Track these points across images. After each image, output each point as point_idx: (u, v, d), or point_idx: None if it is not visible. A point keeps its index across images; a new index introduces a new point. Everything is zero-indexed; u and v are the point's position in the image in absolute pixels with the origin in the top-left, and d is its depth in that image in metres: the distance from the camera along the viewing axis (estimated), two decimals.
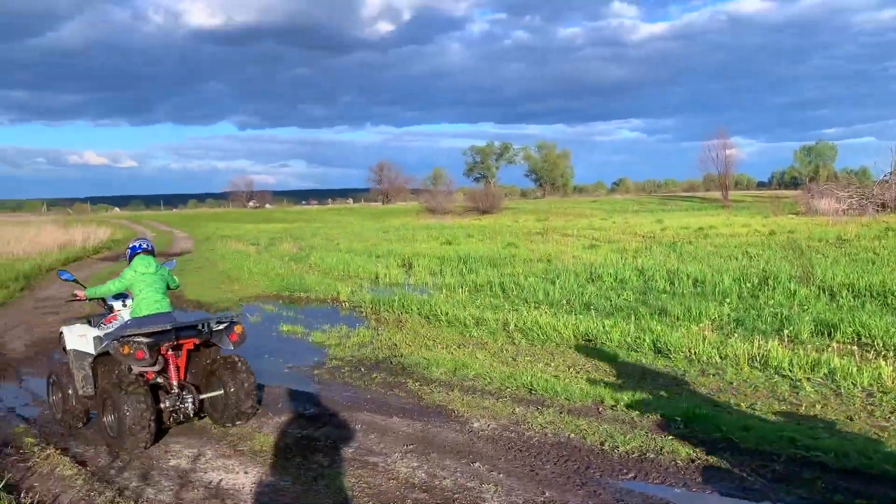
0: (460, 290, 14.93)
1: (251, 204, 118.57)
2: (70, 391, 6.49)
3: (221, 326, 6.35)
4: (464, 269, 18.71)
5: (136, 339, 5.80)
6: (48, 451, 5.75)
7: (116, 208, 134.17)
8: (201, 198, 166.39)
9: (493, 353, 9.16)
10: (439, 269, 19.53)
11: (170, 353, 6.12)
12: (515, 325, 10.25)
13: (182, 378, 6.31)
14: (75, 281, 7.21)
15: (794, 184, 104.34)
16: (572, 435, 5.92)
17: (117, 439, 5.78)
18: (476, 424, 6.30)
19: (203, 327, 6.22)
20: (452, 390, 7.39)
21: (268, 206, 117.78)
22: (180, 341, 6.14)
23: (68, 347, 6.58)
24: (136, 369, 5.98)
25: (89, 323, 6.75)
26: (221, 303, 14.54)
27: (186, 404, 6.20)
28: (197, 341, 6.30)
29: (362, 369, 8.52)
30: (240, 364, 6.38)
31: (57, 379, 6.70)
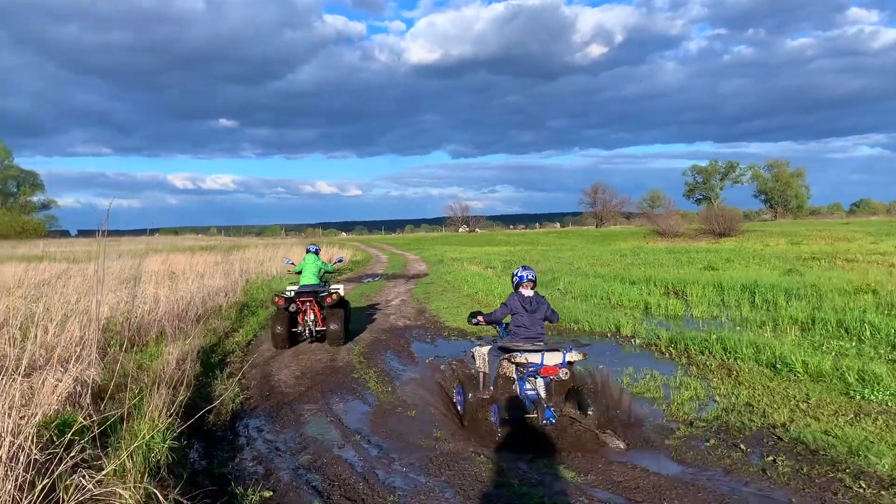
0: (774, 326, 11.87)
1: (462, 228, 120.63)
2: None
3: (322, 294, 11.35)
4: (758, 301, 15.44)
5: (285, 295, 11.37)
6: None
7: (343, 233, 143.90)
8: (416, 223, 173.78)
9: None
10: (720, 300, 16.43)
11: (304, 304, 11.29)
12: None
13: (318, 317, 11.48)
14: (291, 263, 13.10)
15: None
16: None
17: (272, 341, 11.18)
18: None
19: (314, 294, 11.32)
20: None
21: (478, 230, 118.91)
22: (304, 299, 11.26)
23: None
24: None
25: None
26: (482, 332, 12.77)
27: (308, 331, 11.43)
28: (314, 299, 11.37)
29: (742, 446, 5.98)
30: (336, 313, 11.28)
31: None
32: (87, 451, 4.76)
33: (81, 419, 5.77)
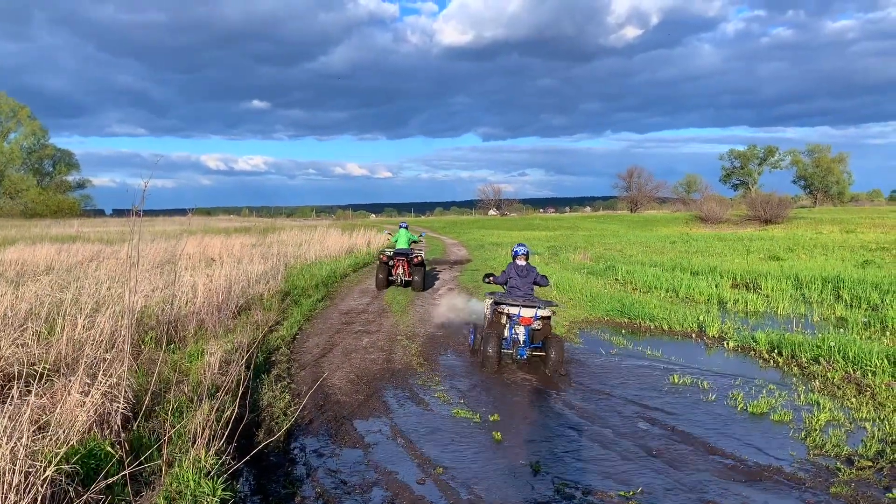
0: (883, 330, 10.49)
1: (492, 211, 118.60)
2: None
3: (412, 255, 16.24)
4: (845, 297, 13.98)
5: (387, 253, 16.43)
6: None
7: (373, 215, 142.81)
8: (446, 205, 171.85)
9: None
10: (800, 295, 14.99)
11: (398, 262, 16.34)
12: None
13: (406, 270, 16.36)
14: (389, 234, 19.03)
15: None
16: None
17: (376, 283, 16.48)
18: None
19: (406, 254, 16.25)
20: None
21: (508, 213, 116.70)
22: (398, 257, 16.27)
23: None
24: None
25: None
26: (554, 329, 11.52)
27: (399, 279, 16.32)
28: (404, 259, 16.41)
29: None
30: (419, 269, 16.22)
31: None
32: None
33: (110, 447, 4.71)
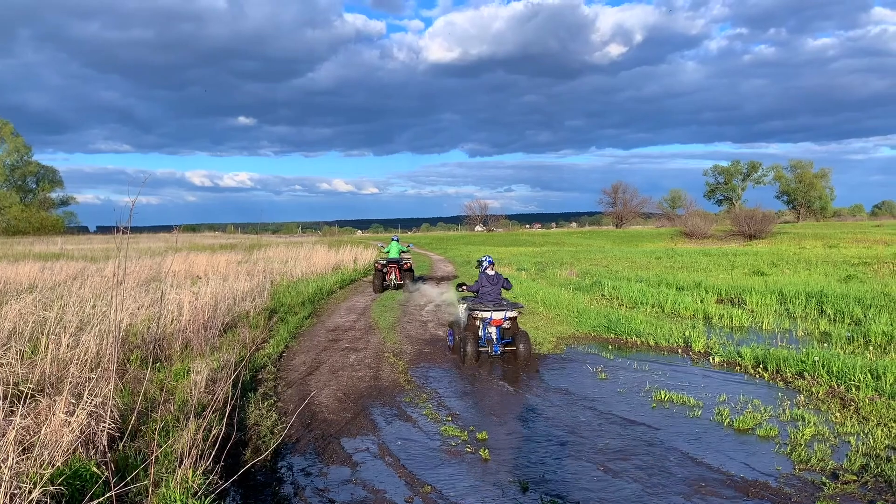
0: (866, 344, 10.59)
1: (479, 227, 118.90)
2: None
3: (402, 262, 20.26)
4: (828, 312, 14.11)
5: (381, 261, 20.45)
6: None
7: (359, 231, 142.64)
8: (433, 221, 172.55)
9: None
10: (785, 310, 15.12)
11: (391, 268, 20.22)
12: None
13: (397, 275, 20.14)
14: (383, 245, 22.75)
15: None
16: None
17: (373, 287, 19.82)
18: None
19: (397, 262, 20.21)
20: None
21: (494, 229, 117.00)
22: (391, 265, 20.23)
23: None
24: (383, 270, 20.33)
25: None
26: (541, 345, 11.54)
27: (392, 283, 20.15)
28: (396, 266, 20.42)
29: None
30: (408, 274, 20.26)
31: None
32: None
33: (95, 468, 4.67)
